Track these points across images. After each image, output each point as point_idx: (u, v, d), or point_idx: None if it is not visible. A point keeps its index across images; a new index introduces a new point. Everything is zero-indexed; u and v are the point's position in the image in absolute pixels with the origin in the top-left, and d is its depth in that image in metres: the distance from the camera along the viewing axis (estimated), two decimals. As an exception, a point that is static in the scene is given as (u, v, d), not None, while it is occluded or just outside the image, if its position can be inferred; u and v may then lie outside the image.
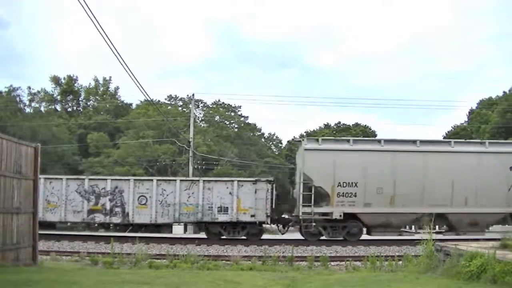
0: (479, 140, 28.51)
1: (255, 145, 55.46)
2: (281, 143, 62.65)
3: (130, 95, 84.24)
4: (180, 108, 53.40)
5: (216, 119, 53.79)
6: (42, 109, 52.51)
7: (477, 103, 55.99)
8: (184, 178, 24.48)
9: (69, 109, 53.84)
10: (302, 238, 20.86)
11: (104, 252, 16.32)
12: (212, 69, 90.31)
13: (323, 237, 20.55)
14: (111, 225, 21.80)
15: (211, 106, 54.47)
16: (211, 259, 14.89)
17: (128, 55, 67.46)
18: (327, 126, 56.80)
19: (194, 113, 42.73)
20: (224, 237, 21.07)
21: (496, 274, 8.19)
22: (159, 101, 50.76)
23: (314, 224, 20.07)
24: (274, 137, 62.71)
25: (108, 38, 14.53)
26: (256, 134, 59.04)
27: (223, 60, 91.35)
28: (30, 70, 79.80)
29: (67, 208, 20.96)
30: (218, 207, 20.99)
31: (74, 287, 8.24)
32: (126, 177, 24.26)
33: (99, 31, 14.14)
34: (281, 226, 22.14)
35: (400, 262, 13.44)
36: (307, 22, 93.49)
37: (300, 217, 20.21)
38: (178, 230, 25.68)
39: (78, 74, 54.85)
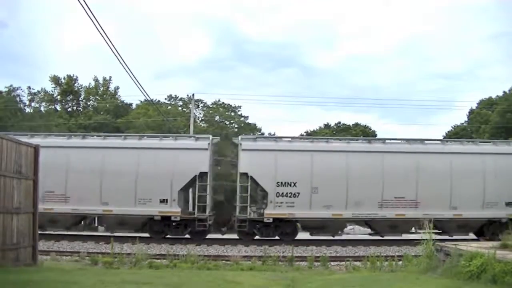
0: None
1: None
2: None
3: (130, 95, 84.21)
4: (180, 108, 53.31)
5: (216, 119, 53.73)
6: (42, 109, 52.41)
7: (477, 103, 55.85)
8: None
9: (69, 109, 53.68)
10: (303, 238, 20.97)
11: (104, 252, 16.30)
12: (211, 69, 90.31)
13: None
14: None
15: (211, 106, 54.41)
16: (211, 259, 14.87)
17: (128, 55, 67.45)
18: (327, 126, 56.65)
19: (194, 113, 42.73)
20: None
21: (496, 274, 8.19)
22: (159, 101, 50.72)
23: None
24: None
25: (108, 38, 14.58)
26: (256, 134, 58.98)
27: (223, 60, 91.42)
28: (30, 70, 79.75)
29: None
30: None
31: (74, 287, 8.25)
32: None
33: (99, 31, 14.18)
34: None
35: (400, 262, 13.42)
36: (307, 21, 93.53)
37: None
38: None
39: (78, 74, 54.46)
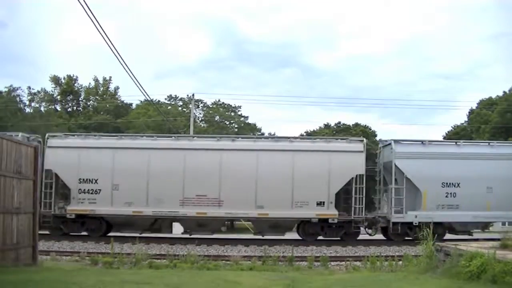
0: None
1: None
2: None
3: (130, 95, 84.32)
4: (180, 108, 53.40)
5: (216, 119, 53.77)
6: (42, 109, 52.46)
7: (477, 103, 55.93)
8: None
9: (69, 109, 53.78)
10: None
11: (104, 252, 16.29)
12: (211, 69, 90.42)
13: None
14: None
15: (211, 106, 54.46)
16: (211, 259, 14.87)
17: (128, 55, 67.49)
18: (327, 126, 56.64)
19: (194, 113, 42.77)
20: None
21: (496, 274, 8.20)
22: (159, 101, 50.82)
23: None
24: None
25: (108, 38, 14.58)
26: (256, 134, 59.03)
27: (223, 60, 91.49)
28: (30, 70, 79.82)
29: None
30: None
31: (74, 287, 8.25)
32: None
33: (99, 31, 14.20)
34: None
35: (400, 262, 13.43)
36: (307, 21, 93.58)
37: None
38: (178, 230, 25.65)
39: (78, 74, 54.61)
